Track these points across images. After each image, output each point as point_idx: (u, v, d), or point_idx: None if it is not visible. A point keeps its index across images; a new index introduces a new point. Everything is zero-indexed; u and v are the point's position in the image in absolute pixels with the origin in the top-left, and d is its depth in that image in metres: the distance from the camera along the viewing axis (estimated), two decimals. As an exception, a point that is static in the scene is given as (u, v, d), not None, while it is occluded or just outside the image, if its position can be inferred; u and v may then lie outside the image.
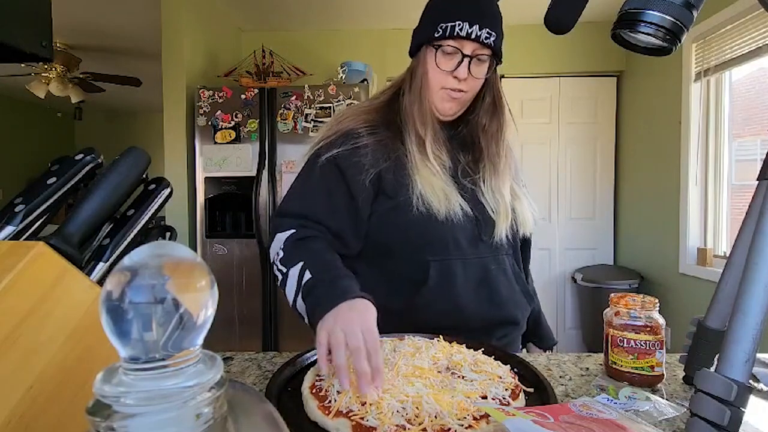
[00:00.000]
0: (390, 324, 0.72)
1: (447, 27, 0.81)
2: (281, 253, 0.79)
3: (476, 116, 0.91)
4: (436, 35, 0.83)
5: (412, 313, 0.82)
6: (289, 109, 2.43)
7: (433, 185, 0.81)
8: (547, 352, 1.04)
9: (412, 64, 0.90)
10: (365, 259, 0.87)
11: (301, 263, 0.74)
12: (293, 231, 0.80)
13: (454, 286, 0.82)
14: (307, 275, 0.73)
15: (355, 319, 0.59)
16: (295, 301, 0.74)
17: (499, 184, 0.88)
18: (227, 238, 2.48)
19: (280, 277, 0.78)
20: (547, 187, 3.27)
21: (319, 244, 0.79)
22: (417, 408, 0.50)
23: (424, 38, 0.86)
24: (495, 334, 0.87)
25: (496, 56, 0.86)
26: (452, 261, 0.83)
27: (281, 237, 0.80)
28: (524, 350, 1.04)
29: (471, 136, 0.92)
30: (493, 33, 0.82)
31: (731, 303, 0.48)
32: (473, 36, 0.81)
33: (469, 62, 0.82)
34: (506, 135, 0.92)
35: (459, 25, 0.81)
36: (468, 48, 0.82)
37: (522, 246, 0.98)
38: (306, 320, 0.72)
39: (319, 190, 0.83)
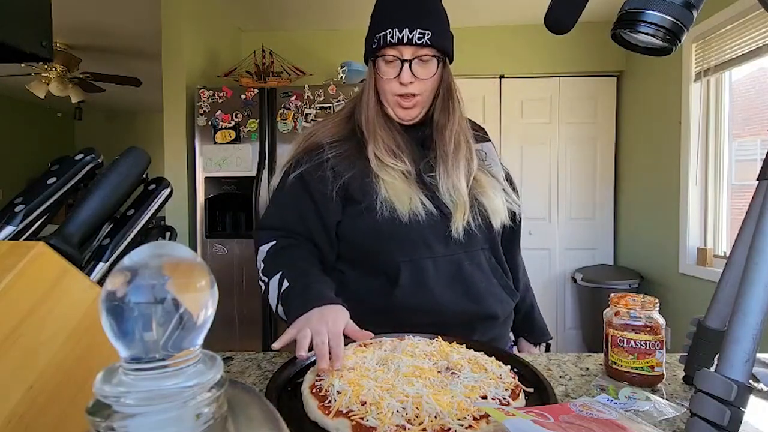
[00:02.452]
0: (373, 321, 0.73)
1: (380, 37, 0.84)
2: (262, 265, 0.84)
3: (433, 114, 0.92)
4: (374, 47, 0.85)
5: (391, 312, 0.84)
6: (289, 109, 2.43)
7: (395, 189, 0.83)
8: (540, 347, 1.04)
9: (366, 76, 0.92)
10: (348, 261, 0.91)
11: (279, 273, 0.80)
12: (274, 242, 0.86)
13: (427, 284, 0.84)
14: (285, 284, 0.78)
15: (324, 324, 0.65)
16: (276, 307, 0.80)
17: (453, 179, 0.87)
18: (227, 238, 2.48)
19: (263, 287, 0.83)
20: (547, 187, 3.27)
21: (298, 252, 0.85)
22: (417, 408, 0.50)
23: (368, 51, 0.88)
24: (476, 330, 0.87)
25: (442, 53, 0.86)
26: (422, 260, 0.85)
27: (263, 249, 0.86)
28: (515, 346, 1.04)
29: (430, 135, 0.92)
30: (428, 32, 0.82)
31: (731, 303, 0.48)
32: (405, 40, 0.82)
33: (410, 65, 0.83)
34: (456, 129, 0.90)
35: (390, 32, 0.82)
36: (406, 53, 0.83)
37: (509, 235, 0.98)
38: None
39: (290, 203, 0.88)
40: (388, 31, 0.83)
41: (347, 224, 0.88)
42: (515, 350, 1.03)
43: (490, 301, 0.88)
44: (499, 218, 0.90)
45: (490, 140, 1.02)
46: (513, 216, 0.95)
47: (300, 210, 0.87)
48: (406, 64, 0.83)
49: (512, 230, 0.98)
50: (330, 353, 0.60)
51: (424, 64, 0.85)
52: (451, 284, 0.85)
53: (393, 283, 0.84)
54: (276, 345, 0.64)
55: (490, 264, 0.92)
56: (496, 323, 0.90)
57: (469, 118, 0.98)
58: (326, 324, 0.64)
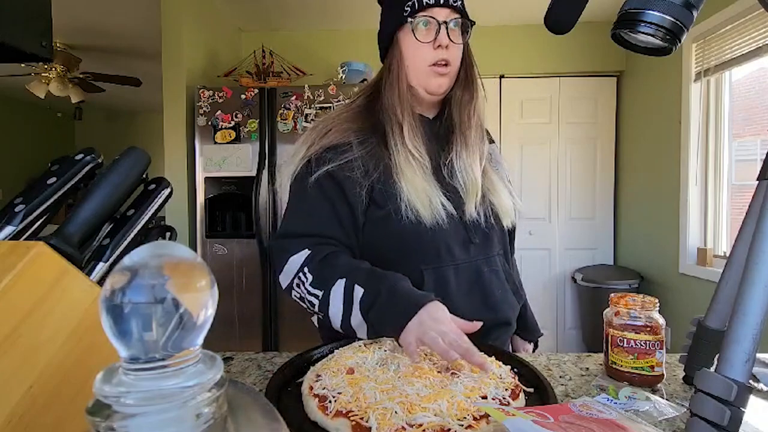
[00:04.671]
0: None
1: (414, 2, 0.81)
2: (309, 277, 0.75)
3: (452, 91, 0.89)
4: (405, 14, 0.82)
5: None
6: (289, 109, 2.43)
7: (416, 187, 0.80)
8: (531, 344, 1.04)
9: (387, 61, 0.88)
10: None
11: (342, 281, 0.72)
12: (309, 252, 0.77)
13: (448, 293, 0.81)
14: (359, 290, 0.71)
15: (442, 324, 0.64)
16: (346, 318, 0.72)
17: (470, 159, 0.85)
18: (227, 238, 2.48)
19: (315, 301, 0.74)
20: (547, 187, 3.27)
21: (346, 257, 0.78)
22: (416, 408, 0.50)
23: (394, 25, 0.85)
24: (489, 337, 0.85)
25: (466, 18, 0.85)
26: (445, 268, 0.82)
27: (297, 260, 0.77)
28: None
29: (450, 121, 0.89)
30: None
31: (731, 303, 0.48)
32: (441, 1, 0.81)
33: (446, 29, 0.82)
34: (478, 107, 0.89)
35: None
36: (441, 15, 0.82)
37: (511, 230, 0.96)
38: (365, 333, 0.71)
39: (321, 204, 0.80)
40: None
41: (369, 229, 0.83)
42: (518, 345, 1.04)
43: (505, 309, 0.87)
44: (508, 218, 0.89)
45: (493, 142, 1.01)
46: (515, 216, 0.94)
47: (336, 212, 0.80)
48: (443, 26, 0.81)
49: (510, 231, 0.97)
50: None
51: (455, 29, 0.83)
52: (470, 293, 0.84)
53: None
54: (416, 359, 0.61)
55: (505, 269, 0.90)
56: (508, 329, 0.90)
57: None
58: (444, 323, 0.64)
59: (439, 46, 0.82)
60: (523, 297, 0.99)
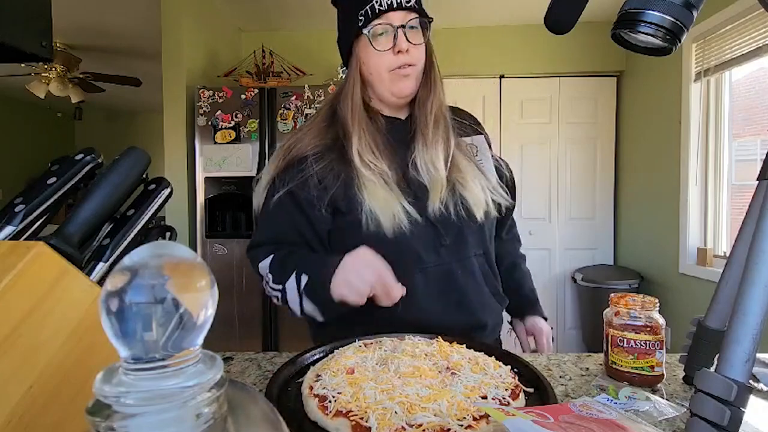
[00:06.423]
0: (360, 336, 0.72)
1: (367, 10, 0.80)
2: (270, 276, 0.82)
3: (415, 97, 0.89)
4: (360, 24, 0.81)
5: (379, 327, 0.77)
6: (289, 109, 2.43)
7: (377, 197, 0.80)
8: (541, 318, 1.01)
9: (347, 70, 0.88)
10: None
11: (293, 273, 0.78)
12: (272, 255, 0.83)
13: (416, 298, 0.80)
14: (304, 278, 0.77)
15: (357, 267, 0.72)
16: (301, 306, 0.78)
17: (430, 156, 0.84)
18: (227, 238, 2.48)
19: (279, 295, 0.81)
20: (547, 187, 3.27)
21: (303, 253, 0.84)
22: (416, 409, 0.50)
23: (351, 36, 0.84)
24: (467, 339, 0.84)
25: (424, 17, 0.83)
26: (411, 273, 0.81)
27: (264, 265, 0.83)
28: (509, 331, 1.03)
29: (412, 120, 0.89)
30: None
31: (731, 303, 0.48)
32: (395, 5, 0.79)
33: (404, 33, 0.80)
34: (436, 103, 0.87)
35: (377, 1, 0.79)
36: (396, 19, 0.80)
37: (502, 220, 0.96)
38: (320, 315, 0.78)
39: (281, 218, 0.85)
40: (374, 1, 0.79)
41: (336, 236, 0.85)
42: (521, 331, 1.01)
43: (481, 312, 0.86)
44: (480, 209, 0.85)
45: (482, 133, 0.97)
46: (499, 208, 0.90)
47: (294, 223, 0.85)
48: (400, 30, 0.79)
49: (500, 221, 0.95)
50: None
51: (414, 30, 0.82)
52: (441, 296, 0.83)
53: None
54: (362, 302, 0.70)
55: (483, 270, 0.89)
56: (485, 332, 0.89)
57: (459, 108, 0.96)
58: (364, 256, 0.72)
59: (399, 51, 0.81)
60: (519, 271, 1.01)
